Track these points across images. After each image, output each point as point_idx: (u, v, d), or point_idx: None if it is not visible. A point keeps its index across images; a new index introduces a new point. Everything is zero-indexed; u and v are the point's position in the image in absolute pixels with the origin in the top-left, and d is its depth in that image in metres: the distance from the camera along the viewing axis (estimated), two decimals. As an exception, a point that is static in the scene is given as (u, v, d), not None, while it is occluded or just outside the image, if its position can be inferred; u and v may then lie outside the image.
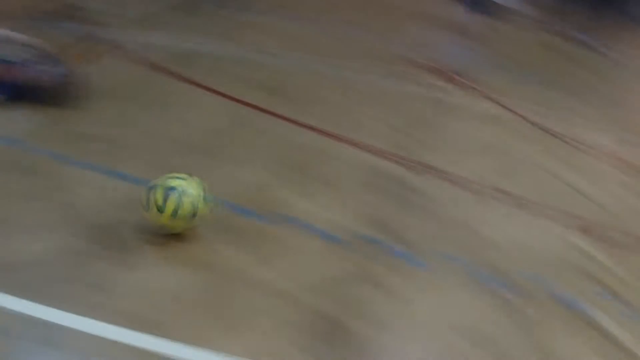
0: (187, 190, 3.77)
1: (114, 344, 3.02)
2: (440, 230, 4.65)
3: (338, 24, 9.67)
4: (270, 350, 3.17)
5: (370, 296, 3.73)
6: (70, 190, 4.18)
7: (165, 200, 3.71)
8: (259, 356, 3.11)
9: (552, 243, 4.89)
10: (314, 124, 5.88)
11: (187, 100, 5.96)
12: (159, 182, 3.78)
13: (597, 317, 4.08)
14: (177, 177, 3.82)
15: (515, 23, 11.66)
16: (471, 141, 6.52)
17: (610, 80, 11.30)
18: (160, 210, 3.72)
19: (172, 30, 7.80)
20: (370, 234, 4.37)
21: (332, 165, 5.24)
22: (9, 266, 3.43)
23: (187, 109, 5.75)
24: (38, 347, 2.97)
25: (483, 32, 10.75)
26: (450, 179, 5.49)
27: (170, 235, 3.83)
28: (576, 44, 11.98)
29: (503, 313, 3.88)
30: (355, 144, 5.68)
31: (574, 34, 12.45)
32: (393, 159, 5.56)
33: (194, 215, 3.79)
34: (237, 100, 6.08)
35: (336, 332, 3.37)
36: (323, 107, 6.42)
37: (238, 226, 4.12)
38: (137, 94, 5.87)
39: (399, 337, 3.47)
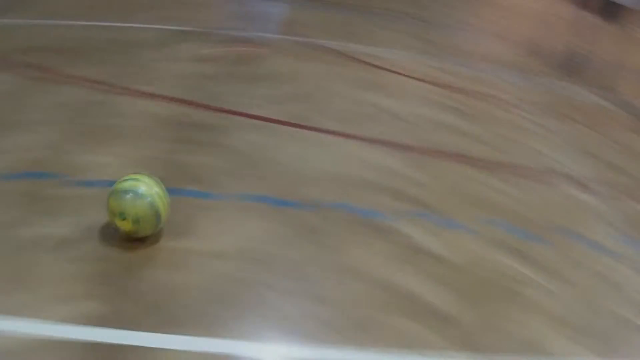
0: (141, 191, 3.48)
1: None
2: (237, 166, 4.59)
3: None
4: (55, 304, 3.05)
5: (164, 237, 3.63)
6: None
7: (122, 206, 3.43)
8: (45, 311, 3.00)
9: (355, 164, 4.94)
10: (100, 79, 5.70)
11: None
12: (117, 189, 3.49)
13: (405, 228, 4.16)
14: (130, 179, 3.52)
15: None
16: (270, 76, 6.51)
17: (420, 6, 11.59)
18: (122, 217, 3.44)
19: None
20: (158, 176, 4.24)
21: (122, 117, 5.06)
22: None
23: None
24: None
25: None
26: (245, 115, 5.46)
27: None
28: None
29: (302, 235, 3.86)
30: (143, 93, 5.54)
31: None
32: (184, 104, 5.46)
33: (157, 215, 3.52)
34: (21, 65, 5.83)
35: (125, 278, 3.26)
36: (108, 64, 6.22)
37: (31, 190, 3.94)
38: None
39: (194, 274, 3.38)
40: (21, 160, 4.23)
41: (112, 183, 4.05)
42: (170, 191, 4.07)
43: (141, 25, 7.58)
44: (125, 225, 3.45)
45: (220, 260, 3.50)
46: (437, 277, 3.72)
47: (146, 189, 3.48)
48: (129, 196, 3.43)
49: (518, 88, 8.08)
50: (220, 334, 2.99)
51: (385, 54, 7.98)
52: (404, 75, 7.32)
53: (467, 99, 7.06)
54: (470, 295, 3.63)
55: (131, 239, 3.53)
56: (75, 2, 8.39)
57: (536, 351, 3.29)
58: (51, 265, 3.27)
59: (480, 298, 3.63)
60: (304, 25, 8.37)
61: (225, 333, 3.01)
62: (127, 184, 3.48)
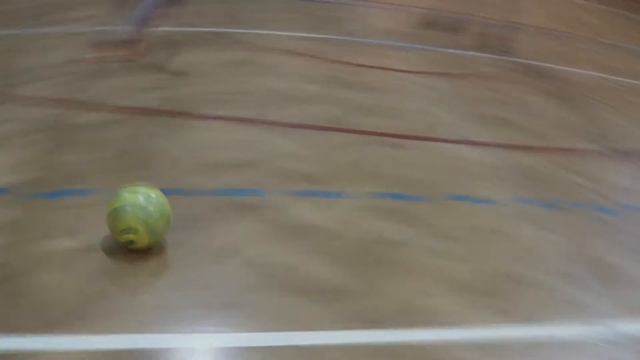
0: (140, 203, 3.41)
1: None
2: (117, 160, 4.50)
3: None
4: None
5: (44, 239, 3.51)
6: None
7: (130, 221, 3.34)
8: None
9: (237, 146, 4.88)
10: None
11: None
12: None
13: (291, 205, 4.12)
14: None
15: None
16: (151, 68, 6.42)
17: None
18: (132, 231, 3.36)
19: None
20: (36, 179, 4.14)
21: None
22: None
23: None
24: None
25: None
26: (126, 109, 5.35)
27: None
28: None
29: (184, 223, 3.78)
30: (20, 98, 5.40)
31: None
32: (63, 105, 5.33)
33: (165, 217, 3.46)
34: None
35: (2, 283, 3.15)
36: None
37: None
38: None
39: (72, 272, 3.27)
40: None
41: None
42: (52, 194, 3.99)
43: (18, 32, 7.32)
44: (140, 239, 3.38)
45: (100, 255, 3.42)
46: (325, 251, 3.68)
47: (145, 198, 3.43)
48: (133, 209, 3.36)
49: (409, 56, 8.12)
50: (104, 330, 2.91)
51: (271, 35, 7.96)
52: (291, 53, 7.29)
53: (357, 71, 7.06)
54: (359, 267, 3.59)
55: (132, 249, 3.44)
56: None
57: (433, 318, 3.26)
58: None
59: (370, 269, 3.59)
60: (185, 16, 8.21)
61: (109, 328, 2.93)
62: (124, 196, 3.41)
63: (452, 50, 8.69)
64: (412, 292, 3.44)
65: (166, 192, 3.98)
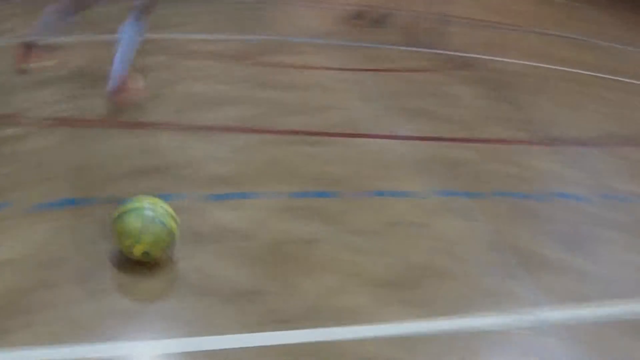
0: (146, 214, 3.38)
1: None
2: (34, 172, 4.38)
3: None
4: None
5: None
6: None
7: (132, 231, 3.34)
8: None
9: (155, 153, 4.79)
10: None
11: None
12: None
13: (208, 209, 4.08)
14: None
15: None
16: (68, 77, 6.24)
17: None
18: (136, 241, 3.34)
19: None
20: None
21: None
22: None
23: None
24: None
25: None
26: (42, 120, 5.22)
27: None
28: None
29: (103, 232, 3.64)
30: None
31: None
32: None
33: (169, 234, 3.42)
34: None
35: None
36: None
37: None
38: None
39: None
40: None
41: None
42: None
43: None
44: (138, 250, 3.36)
45: (15, 269, 3.34)
46: (239, 253, 3.62)
47: (151, 209, 3.41)
48: (136, 220, 3.35)
49: (334, 53, 8.09)
50: (15, 344, 2.84)
51: (192, 38, 7.89)
52: (212, 55, 7.23)
53: (280, 71, 7.02)
54: (273, 267, 3.55)
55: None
56: None
57: (348, 315, 3.22)
58: None
59: (284, 268, 3.55)
60: (102, 22, 8.03)
61: (19, 342, 2.85)
62: (130, 207, 3.41)
63: (378, 46, 8.66)
64: (326, 290, 3.41)
65: (81, 201, 3.92)
